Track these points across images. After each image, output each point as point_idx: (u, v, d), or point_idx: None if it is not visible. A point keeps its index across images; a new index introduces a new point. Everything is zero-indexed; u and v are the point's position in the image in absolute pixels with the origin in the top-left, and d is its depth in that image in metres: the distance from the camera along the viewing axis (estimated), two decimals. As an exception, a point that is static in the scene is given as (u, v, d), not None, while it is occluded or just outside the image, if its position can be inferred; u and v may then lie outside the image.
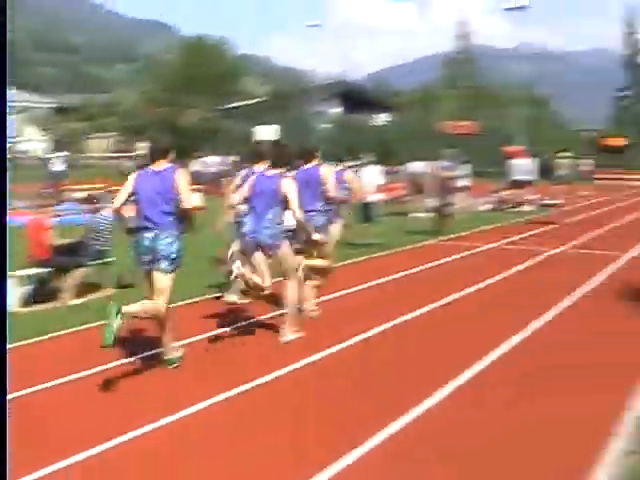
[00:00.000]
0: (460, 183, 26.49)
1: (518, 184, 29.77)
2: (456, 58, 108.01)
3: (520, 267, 14.64)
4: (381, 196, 18.85)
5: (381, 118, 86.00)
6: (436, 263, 15.36)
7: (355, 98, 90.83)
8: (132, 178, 7.83)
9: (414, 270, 14.43)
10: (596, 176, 48.83)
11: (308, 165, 10.26)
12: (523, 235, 20.18)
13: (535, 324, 9.66)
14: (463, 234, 20.19)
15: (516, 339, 8.87)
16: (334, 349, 8.45)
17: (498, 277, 13.42)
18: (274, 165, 9.09)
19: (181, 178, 7.59)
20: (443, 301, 11.27)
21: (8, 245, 5.40)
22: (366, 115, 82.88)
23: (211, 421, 6.27)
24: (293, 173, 9.77)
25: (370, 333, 9.19)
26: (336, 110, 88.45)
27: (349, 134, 73.43)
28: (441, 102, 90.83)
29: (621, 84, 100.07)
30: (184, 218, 7.59)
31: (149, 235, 7.48)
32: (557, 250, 17.16)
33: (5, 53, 5.58)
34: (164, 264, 7.48)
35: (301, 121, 77.24)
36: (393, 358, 8.20)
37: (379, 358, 8.19)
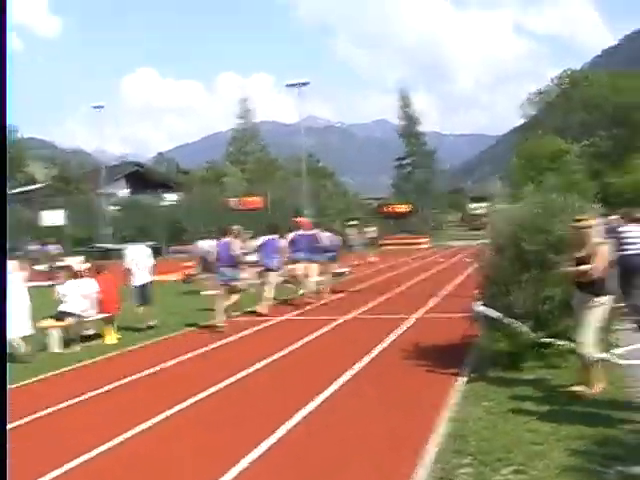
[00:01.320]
0: (249, 258, 26.58)
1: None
2: (241, 135, 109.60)
3: (307, 338, 14.78)
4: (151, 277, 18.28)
5: (169, 198, 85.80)
6: (230, 340, 15.28)
7: (142, 179, 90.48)
8: None
9: (209, 348, 14.28)
10: (382, 242, 50.71)
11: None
12: (312, 306, 20.42)
13: (320, 397, 9.77)
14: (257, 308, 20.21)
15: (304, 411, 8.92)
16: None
17: (284, 351, 13.47)
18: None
19: None
20: (233, 378, 11.18)
21: None
22: (154, 195, 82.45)
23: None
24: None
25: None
26: (123, 191, 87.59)
27: (138, 215, 72.71)
28: (228, 178, 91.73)
29: (401, 153, 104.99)
30: None
31: None
32: (345, 318, 17.50)
33: (5, 54, 5.23)
34: None
35: (88, 204, 75.83)
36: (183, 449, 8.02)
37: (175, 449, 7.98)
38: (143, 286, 17.51)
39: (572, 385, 9.01)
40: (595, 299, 8.78)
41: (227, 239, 17.80)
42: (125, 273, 17.54)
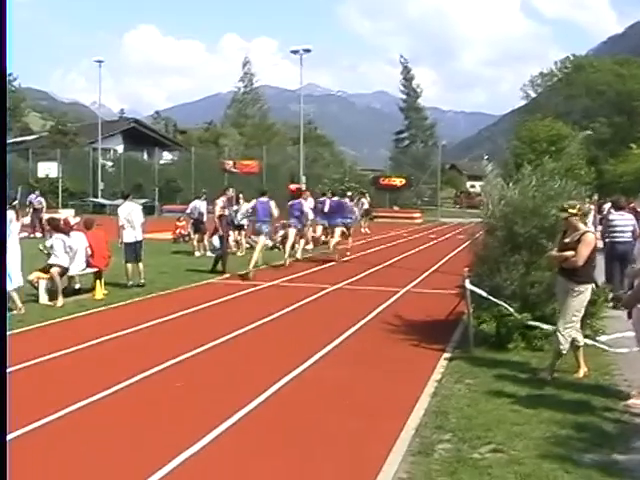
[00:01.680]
0: (241, 222, 26.58)
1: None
2: (241, 98, 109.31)
3: (294, 306, 14.82)
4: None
5: (165, 156, 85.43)
6: (220, 300, 15.29)
7: (139, 135, 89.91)
8: None
9: (198, 308, 14.30)
10: (375, 214, 50.70)
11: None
12: (302, 273, 20.46)
13: (304, 365, 9.80)
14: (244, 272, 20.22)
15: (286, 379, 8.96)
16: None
17: (270, 317, 13.50)
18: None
19: None
20: (221, 339, 11.19)
21: None
22: (150, 153, 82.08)
23: None
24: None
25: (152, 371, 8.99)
26: (119, 147, 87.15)
27: (133, 172, 72.39)
28: (226, 140, 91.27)
29: (400, 126, 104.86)
30: None
31: None
32: (334, 287, 17.54)
33: (5, 54, 5.18)
34: None
35: (83, 158, 75.44)
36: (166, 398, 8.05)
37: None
38: (135, 243, 17.50)
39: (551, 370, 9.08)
40: (576, 287, 8.82)
41: (265, 199, 20.82)
42: (119, 229, 17.51)
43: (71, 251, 15.52)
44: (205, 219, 26.57)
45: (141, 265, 17.40)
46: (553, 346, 9.15)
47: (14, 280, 13.57)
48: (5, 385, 4.83)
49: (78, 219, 23.18)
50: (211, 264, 20.41)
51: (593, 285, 9.06)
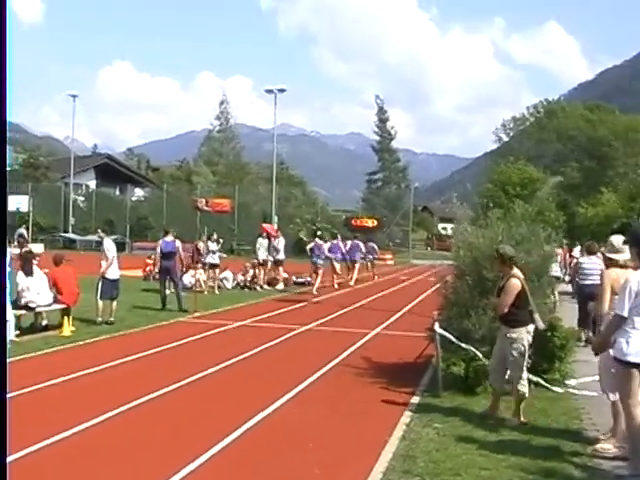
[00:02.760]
0: (211, 260, 26.59)
1: (279, 262, 30.23)
2: (216, 136, 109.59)
3: (264, 346, 14.70)
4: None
5: (137, 193, 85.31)
6: (188, 340, 15.17)
7: (111, 172, 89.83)
8: None
9: (167, 346, 14.18)
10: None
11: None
12: (272, 313, 20.38)
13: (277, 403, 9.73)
14: (214, 311, 20.14)
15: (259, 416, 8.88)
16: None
17: (239, 357, 13.38)
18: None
19: None
20: (190, 379, 11.09)
21: None
22: (123, 189, 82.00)
23: None
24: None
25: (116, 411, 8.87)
26: (91, 182, 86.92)
27: (105, 208, 72.17)
28: (198, 178, 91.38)
29: (373, 168, 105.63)
30: None
31: None
32: (304, 328, 17.48)
33: (5, 59, 5.12)
34: None
35: (55, 192, 75.13)
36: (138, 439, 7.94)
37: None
38: (116, 280, 17.46)
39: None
40: (508, 332, 8.94)
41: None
42: (106, 263, 17.45)
43: (41, 288, 15.44)
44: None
45: (114, 303, 17.29)
46: (512, 393, 9.16)
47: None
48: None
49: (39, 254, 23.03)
50: (186, 303, 20.26)
51: (529, 327, 9.04)
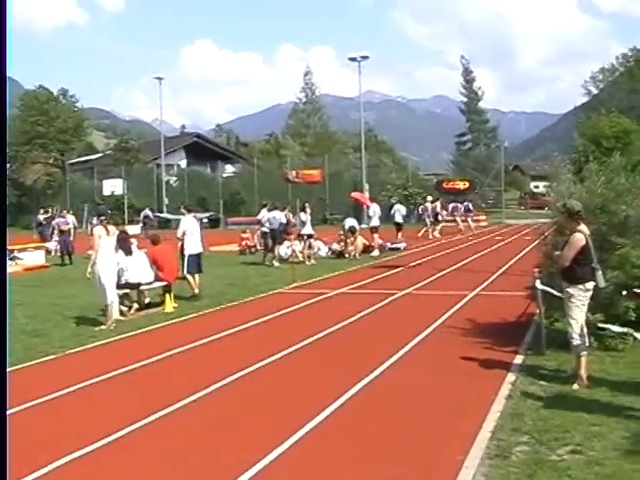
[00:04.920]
0: (305, 231, 26.80)
1: (373, 229, 30.36)
2: (301, 108, 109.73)
3: (364, 312, 14.78)
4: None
5: (228, 169, 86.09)
6: (288, 310, 15.34)
7: (201, 150, 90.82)
8: None
9: (269, 317, 14.38)
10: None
11: None
12: (369, 280, 20.45)
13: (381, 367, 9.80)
14: (311, 281, 20.30)
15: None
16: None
17: (340, 324, 13.46)
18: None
19: None
20: (293, 348, 11.23)
21: None
22: (213, 166, 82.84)
23: None
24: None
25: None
26: (182, 162, 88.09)
27: (197, 186, 73.06)
28: (287, 151, 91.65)
29: (461, 130, 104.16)
30: None
31: None
32: (404, 292, 17.50)
33: (5, 58, 5.37)
34: None
35: (147, 174, 76.46)
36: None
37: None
38: (198, 255, 17.75)
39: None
40: (567, 288, 8.80)
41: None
42: (180, 242, 17.85)
43: (143, 267, 15.83)
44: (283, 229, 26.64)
45: (197, 277, 17.61)
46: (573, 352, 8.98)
47: (109, 295, 13.81)
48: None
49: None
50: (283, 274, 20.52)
51: (588, 285, 8.79)
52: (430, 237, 39.50)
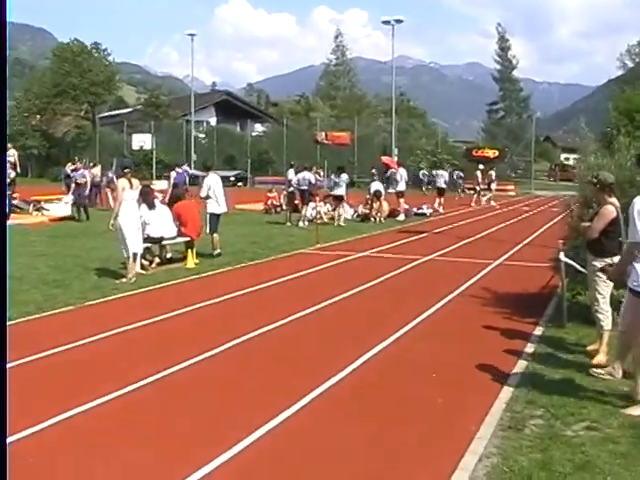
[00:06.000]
0: (337, 192, 26.83)
1: (399, 193, 30.30)
2: (332, 70, 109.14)
3: (386, 275, 14.71)
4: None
5: (257, 128, 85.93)
6: (309, 271, 15.33)
7: (231, 108, 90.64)
8: None
9: (289, 277, 14.38)
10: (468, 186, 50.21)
11: None
12: (393, 244, 20.34)
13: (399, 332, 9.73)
14: (335, 243, 20.23)
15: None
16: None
17: (361, 287, 13.38)
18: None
19: None
20: (310, 309, 11.18)
21: None
22: (243, 125, 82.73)
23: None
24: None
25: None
26: (212, 119, 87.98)
27: (225, 144, 73.03)
28: (317, 113, 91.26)
29: (493, 98, 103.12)
30: None
31: None
32: (427, 258, 17.40)
33: (5, 57, 5.30)
34: None
35: (177, 130, 76.42)
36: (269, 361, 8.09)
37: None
38: (220, 215, 17.65)
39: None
40: (593, 261, 8.58)
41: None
42: (203, 200, 17.74)
43: (166, 222, 15.78)
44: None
45: (216, 236, 17.52)
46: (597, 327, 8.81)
47: (130, 247, 13.77)
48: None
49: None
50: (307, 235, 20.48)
51: (615, 259, 8.56)
52: (482, 204, 39.94)
